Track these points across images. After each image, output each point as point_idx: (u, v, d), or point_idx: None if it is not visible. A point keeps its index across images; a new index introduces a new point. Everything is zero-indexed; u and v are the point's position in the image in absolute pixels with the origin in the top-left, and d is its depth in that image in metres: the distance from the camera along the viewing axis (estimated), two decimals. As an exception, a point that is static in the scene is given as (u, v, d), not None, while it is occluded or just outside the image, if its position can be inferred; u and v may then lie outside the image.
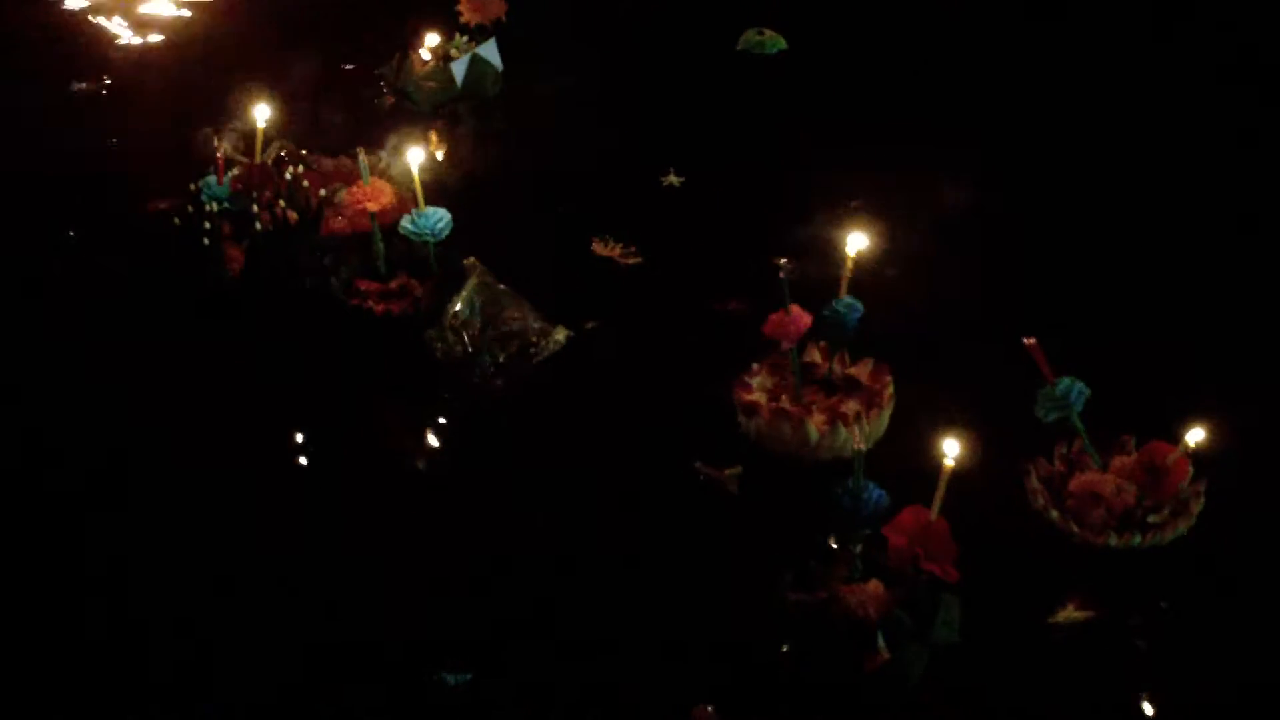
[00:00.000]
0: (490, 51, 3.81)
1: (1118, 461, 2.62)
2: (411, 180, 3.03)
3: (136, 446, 2.80)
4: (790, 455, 2.73)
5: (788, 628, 2.37)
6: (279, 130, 3.38)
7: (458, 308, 2.93)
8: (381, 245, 3.03)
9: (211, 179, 3.14)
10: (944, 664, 2.33)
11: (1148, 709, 2.33)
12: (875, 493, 2.44)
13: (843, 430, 2.70)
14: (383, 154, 3.30)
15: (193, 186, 3.14)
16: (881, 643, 2.30)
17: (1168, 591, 2.51)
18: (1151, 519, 2.55)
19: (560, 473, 2.76)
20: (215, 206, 3.08)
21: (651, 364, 2.98)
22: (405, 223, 2.99)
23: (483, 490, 2.74)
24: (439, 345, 2.93)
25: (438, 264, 3.03)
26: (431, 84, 3.77)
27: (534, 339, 2.95)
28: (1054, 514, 2.57)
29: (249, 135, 3.36)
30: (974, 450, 2.47)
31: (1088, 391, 2.60)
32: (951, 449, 2.36)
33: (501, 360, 2.93)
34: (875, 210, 3.19)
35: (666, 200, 3.50)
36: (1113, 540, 2.54)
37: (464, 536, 2.63)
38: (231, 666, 2.40)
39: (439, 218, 2.99)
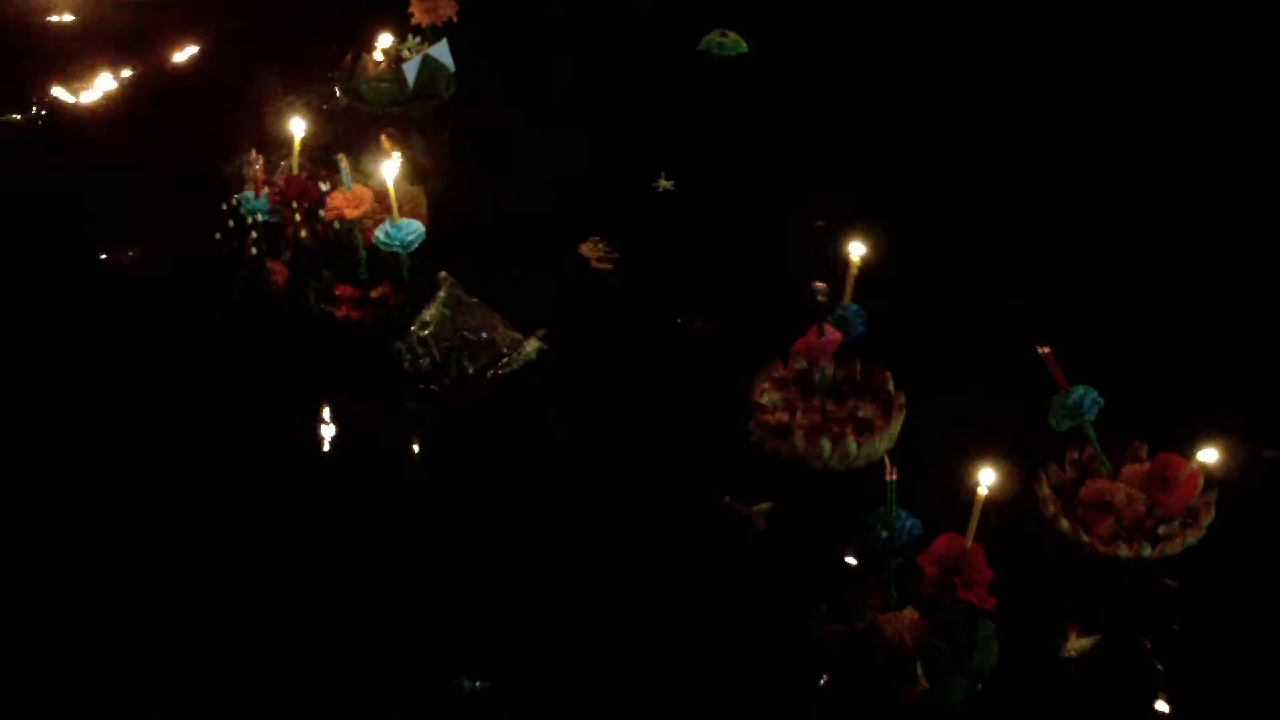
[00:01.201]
0: (442, 52, 3.61)
1: (1129, 469, 2.48)
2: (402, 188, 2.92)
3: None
4: (825, 469, 2.58)
5: (825, 659, 2.22)
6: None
7: (426, 319, 2.78)
8: (365, 252, 2.86)
9: (249, 193, 2.95)
10: (984, 691, 2.18)
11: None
12: (908, 521, 2.28)
13: (876, 438, 2.57)
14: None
15: (225, 205, 2.98)
16: (921, 672, 2.14)
17: (1178, 605, 2.37)
18: (1161, 530, 2.41)
19: (553, 492, 2.58)
20: (258, 219, 2.90)
21: (622, 381, 2.80)
22: (378, 233, 2.83)
23: (476, 511, 2.56)
24: (407, 357, 2.77)
25: (410, 274, 2.87)
26: (384, 85, 3.57)
27: (504, 351, 2.79)
28: (1064, 522, 2.43)
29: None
30: (990, 463, 2.31)
31: (1101, 401, 2.45)
32: (987, 478, 2.20)
33: (471, 372, 2.76)
34: (872, 216, 2.96)
35: (655, 205, 3.31)
36: (1122, 551, 2.39)
37: (471, 561, 2.45)
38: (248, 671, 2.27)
39: (411, 230, 2.82)
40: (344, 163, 2.91)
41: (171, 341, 2.88)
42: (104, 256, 3.11)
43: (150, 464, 2.62)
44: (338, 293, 2.85)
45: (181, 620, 2.33)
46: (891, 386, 2.66)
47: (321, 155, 3.15)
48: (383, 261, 2.86)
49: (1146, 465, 2.47)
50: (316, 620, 2.33)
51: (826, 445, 2.55)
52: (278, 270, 2.90)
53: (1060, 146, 3.44)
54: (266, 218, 2.92)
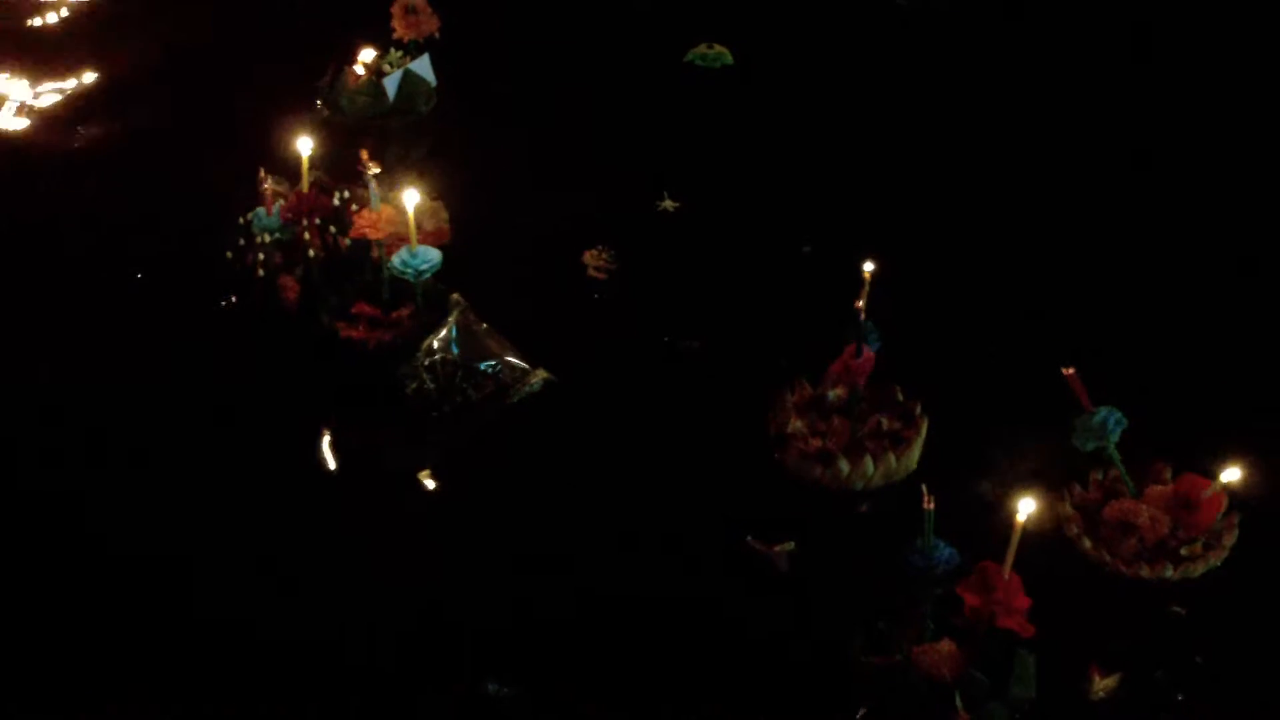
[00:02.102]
0: (423, 67, 3.52)
1: (1152, 490, 2.41)
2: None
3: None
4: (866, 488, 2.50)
5: (862, 691, 2.13)
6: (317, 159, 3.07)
7: (435, 345, 2.67)
8: (388, 272, 2.79)
9: (261, 210, 2.92)
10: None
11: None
12: (946, 551, 2.22)
13: (912, 449, 2.50)
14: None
15: (242, 219, 2.93)
16: (960, 703, 2.06)
17: (1199, 628, 2.29)
18: (1184, 551, 2.34)
19: (572, 520, 2.47)
20: (267, 238, 2.88)
21: (626, 407, 2.68)
22: (395, 259, 2.77)
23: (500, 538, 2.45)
24: (412, 383, 2.67)
25: (423, 300, 2.79)
26: (363, 98, 3.47)
27: (509, 382, 2.68)
28: (1087, 543, 2.36)
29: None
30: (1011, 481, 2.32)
31: (1125, 422, 2.37)
32: (1026, 507, 2.11)
33: (475, 399, 2.66)
34: (865, 231, 2.94)
35: (656, 224, 3.18)
36: (1144, 571, 2.32)
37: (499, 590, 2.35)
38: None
39: (426, 259, 2.76)
40: (373, 184, 2.85)
41: (180, 354, 2.81)
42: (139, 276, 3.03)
43: (150, 472, 2.55)
44: (355, 310, 2.77)
45: (190, 625, 2.28)
46: (901, 397, 2.58)
47: (333, 169, 3.09)
48: (404, 282, 2.79)
49: (1170, 487, 2.40)
50: (330, 628, 2.27)
51: (870, 464, 2.46)
52: (289, 286, 2.84)
53: (1072, 157, 3.34)
54: (278, 235, 2.87)
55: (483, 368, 2.65)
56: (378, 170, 2.92)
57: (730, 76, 3.62)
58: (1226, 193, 3.21)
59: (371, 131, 3.41)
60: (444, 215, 2.98)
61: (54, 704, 2.16)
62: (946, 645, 2.09)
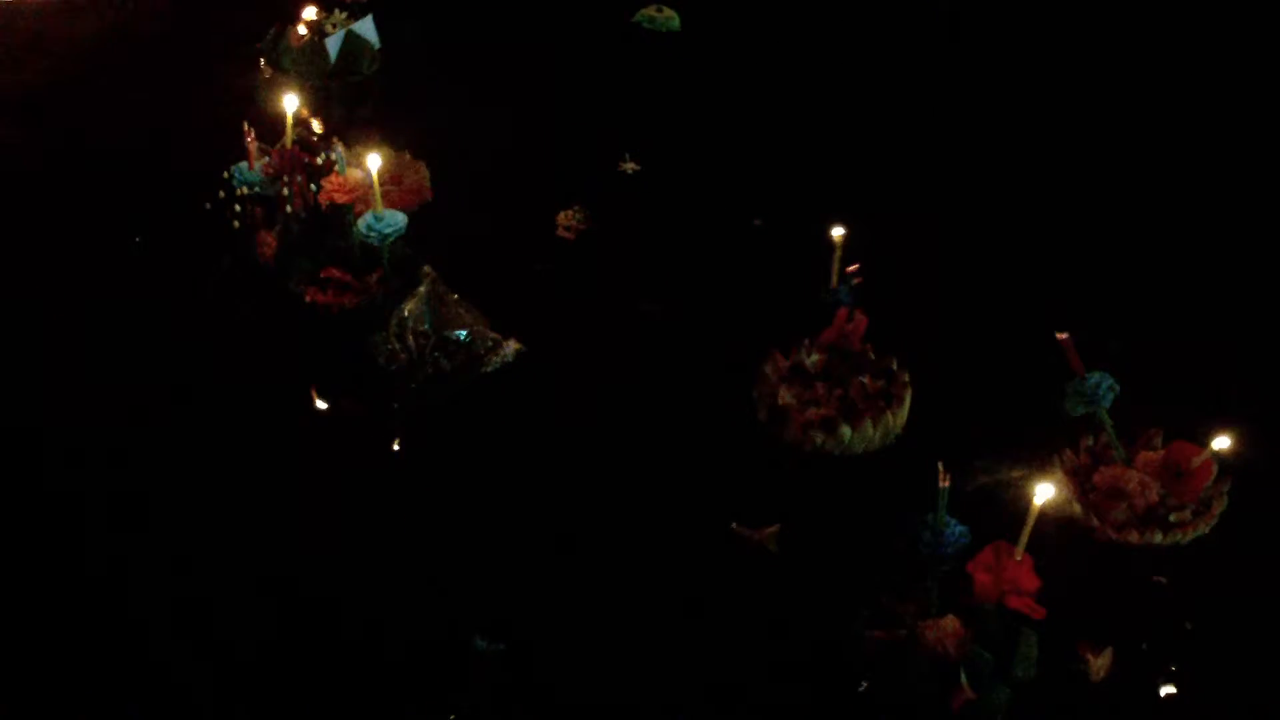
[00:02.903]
0: (366, 29, 3.42)
1: (1143, 456, 2.36)
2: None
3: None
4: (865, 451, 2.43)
5: (866, 665, 2.07)
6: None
7: (405, 315, 2.59)
8: (357, 236, 2.72)
9: (243, 164, 2.87)
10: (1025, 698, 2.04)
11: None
12: (957, 529, 2.16)
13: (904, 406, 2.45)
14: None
15: (226, 174, 2.87)
16: (965, 680, 1.99)
17: (1188, 596, 2.24)
18: (1173, 518, 2.30)
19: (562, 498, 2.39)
20: (247, 191, 2.83)
21: (599, 376, 2.60)
22: (360, 224, 2.69)
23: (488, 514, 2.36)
24: (384, 350, 2.59)
25: (390, 264, 2.70)
26: (305, 58, 3.37)
27: (481, 352, 2.60)
28: (1077, 507, 2.32)
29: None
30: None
31: (1117, 388, 2.33)
32: (1044, 492, 2.06)
33: (447, 369, 2.57)
34: (819, 200, 2.87)
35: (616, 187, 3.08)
36: (1133, 537, 2.28)
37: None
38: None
39: (390, 223, 2.68)
40: (339, 147, 2.81)
41: (152, 308, 2.74)
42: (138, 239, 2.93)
43: (123, 440, 2.47)
44: (325, 274, 2.70)
45: (165, 597, 2.22)
46: (873, 355, 2.52)
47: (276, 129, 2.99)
48: (375, 247, 2.72)
49: (1161, 453, 2.35)
50: (305, 596, 2.22)
51: (870, 426, 2.40)
52: (267, 241, 2.78)
53: (1056, 116, 3.26)
54: (258, 189, 2.83)
55: (455, 335, 2.57)
56: (321, 132, 2.82)
57: (678, 41, 3.52)
58: (1220, 158, 3.14)
59: (314, 92, 3.31)
60: (424, 172, 2.90)
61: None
62: (951, 622, 2.03)
